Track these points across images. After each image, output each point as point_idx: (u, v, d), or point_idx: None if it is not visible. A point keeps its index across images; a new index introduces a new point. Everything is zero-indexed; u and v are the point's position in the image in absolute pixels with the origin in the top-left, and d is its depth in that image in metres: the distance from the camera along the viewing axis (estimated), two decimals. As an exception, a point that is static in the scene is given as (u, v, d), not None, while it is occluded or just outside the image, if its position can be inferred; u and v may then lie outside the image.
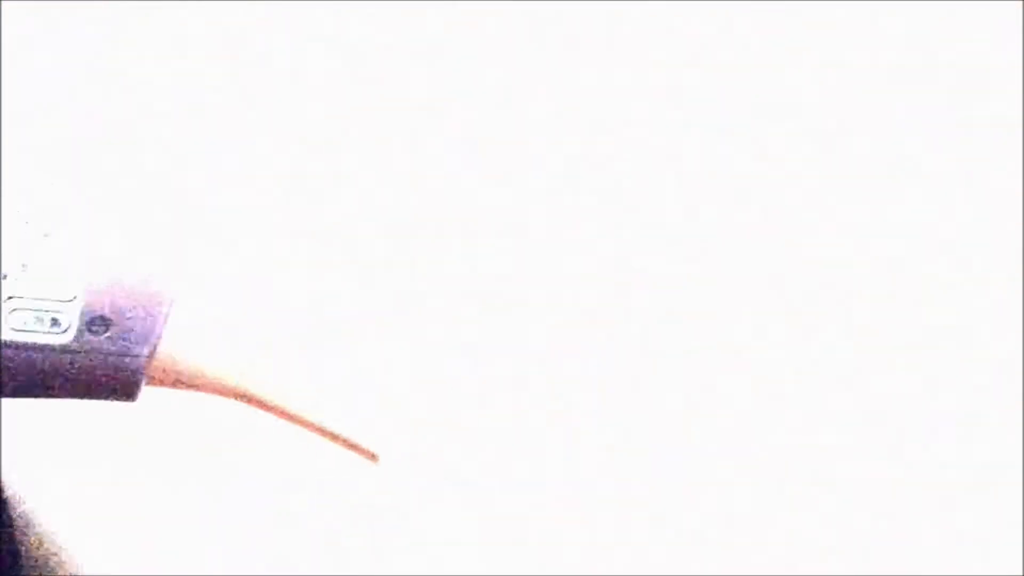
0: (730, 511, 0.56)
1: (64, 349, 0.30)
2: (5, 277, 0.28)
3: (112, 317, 0.30)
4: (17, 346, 0.30)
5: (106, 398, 0.34)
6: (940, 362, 0.58)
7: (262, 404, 0.38)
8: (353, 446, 0.40)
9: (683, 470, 0.57)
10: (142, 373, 0.33)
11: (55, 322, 0.29)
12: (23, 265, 0.28)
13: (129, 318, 0.31)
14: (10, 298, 0.28)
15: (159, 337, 0.32)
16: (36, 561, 0.54)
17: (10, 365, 0.30)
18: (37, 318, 0.29)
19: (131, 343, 0.31)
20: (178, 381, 0.35)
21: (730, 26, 0.60)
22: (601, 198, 0.59)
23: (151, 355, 0.33)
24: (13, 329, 0.29)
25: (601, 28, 0.60)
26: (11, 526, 0.53)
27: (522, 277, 0.57)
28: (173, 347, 0.34)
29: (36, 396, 0.32)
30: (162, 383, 0.35)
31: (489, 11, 0.59)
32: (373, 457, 0.41)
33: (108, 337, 0.31)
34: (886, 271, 0.58)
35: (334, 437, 0.40)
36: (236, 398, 0.37)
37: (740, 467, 0.57)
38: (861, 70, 0.59)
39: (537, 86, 0.60)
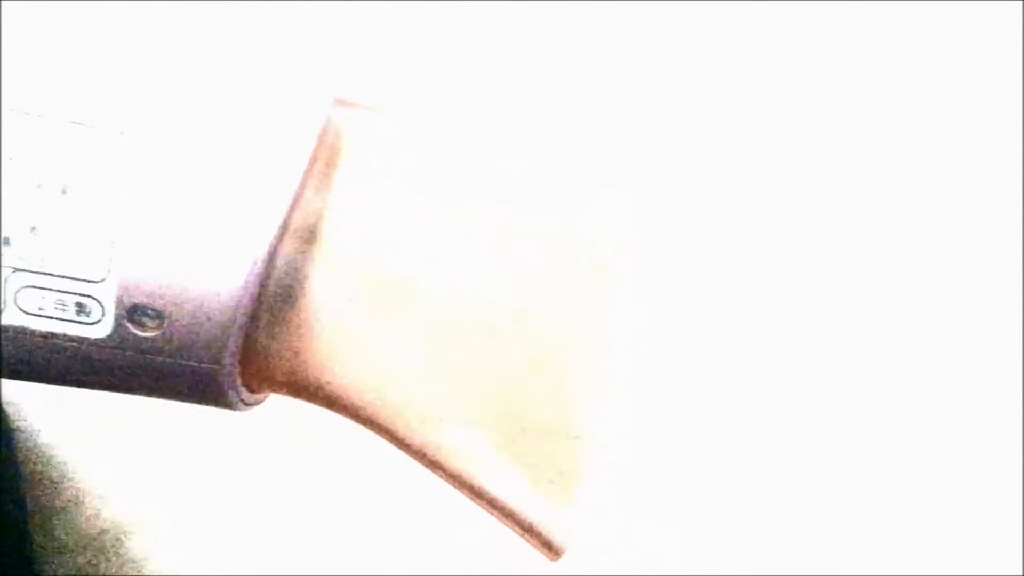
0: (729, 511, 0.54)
1: (99, 345, 0.23)
2: (7, 242, 0.22)
3: (163, 303, 0.22)
4: (32, 334, 0.23)
5: (178, 400, 0.26)
6: (939, 361, 0.57)
7: (415, 452, 0.29)
8: (529, 529, 0.29)
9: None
10: (225, 381, 0.25)
11: (81, 308, 0.23)
12: (32, 228, 0.22)
13: (193, 302, 0.23)
14: (17, 271, 0.22)
15: (239, 335, 0.24)
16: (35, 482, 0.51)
17: (25, 357, 0.23)
18: (57, 301, 0.23)
19: (200, 340, 0.23)
20: (306, 395, 0.27)
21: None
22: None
23: (232, 355, 0.24)
24: (25, 312, 0.22)
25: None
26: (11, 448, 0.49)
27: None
28: (294, 351, 0.26)
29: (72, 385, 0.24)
30: (285, 392, 0.27)
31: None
32: (553, 552, 0.30)
33: (163, 332, 0.23)
34: (883, 274, 0.58)
35: (504, 512, 0.29)
36: (382, 435, 0.28)
37: (738, 469, 0.55)
38: (859, 69, 0.58)
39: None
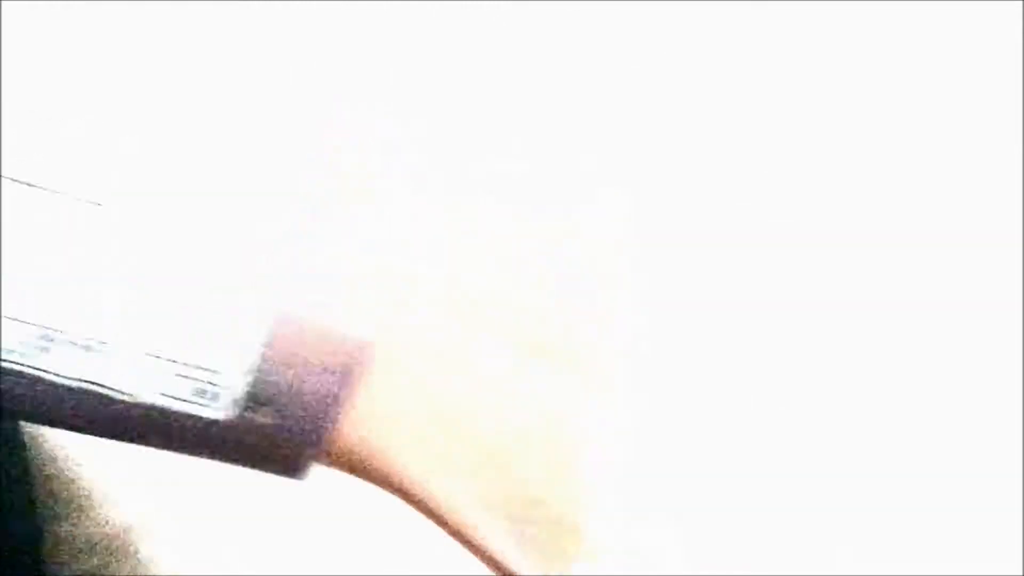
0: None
1: (217, 425, 0.27)
2: (151, 328, 0.26)
3: (279, 397, 0.27)
4: (159, 411, 0.27)
5: (257, 470, 0.29)
6: (939, 361, 0.57)
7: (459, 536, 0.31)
8: None
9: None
10: (308, 461, 0.28)
11: (205, 393, 0.27)
12: (171, 318, 0.26)
13: (303, 398, 0.27)
14: (156, 356, 0.26)
15: (335, 421, 0.27)
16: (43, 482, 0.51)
17: (148, 431, 0.27)
18: (195, 389, 0.27)
19: (301, 429, 0.27)
20: (361, 474, 0.30)
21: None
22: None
23: (321, 442, 0.28)
24: (157, 392, 0.26)
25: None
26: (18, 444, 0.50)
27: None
28: (357, 433, 0.28)
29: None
30: (340, 468, 0.30)
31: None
32: None
33: (272, 419, 0.27)
34: (885, 275, 0.58)
35: (493, 565, 0.31)
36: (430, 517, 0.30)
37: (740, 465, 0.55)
38: (859, 69, 0.58)
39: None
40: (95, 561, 0.52)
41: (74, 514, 0.53)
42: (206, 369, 0.25)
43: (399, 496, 0.31)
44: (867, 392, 0.57)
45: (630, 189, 0.62)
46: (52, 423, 0.27)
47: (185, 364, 0.25)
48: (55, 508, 0.53)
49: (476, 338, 0.30)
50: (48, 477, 0.53)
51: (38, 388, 0.25)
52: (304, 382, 0.26)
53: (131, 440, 0.27)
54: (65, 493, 0.53)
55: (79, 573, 0.52)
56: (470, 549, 0.31)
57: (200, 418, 0.26)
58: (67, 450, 0.53)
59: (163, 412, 0.26)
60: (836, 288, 0.59)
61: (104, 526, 0.53)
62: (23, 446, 0.51)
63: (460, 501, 0.30)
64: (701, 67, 0.60)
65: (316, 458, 0.28)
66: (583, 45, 0.62)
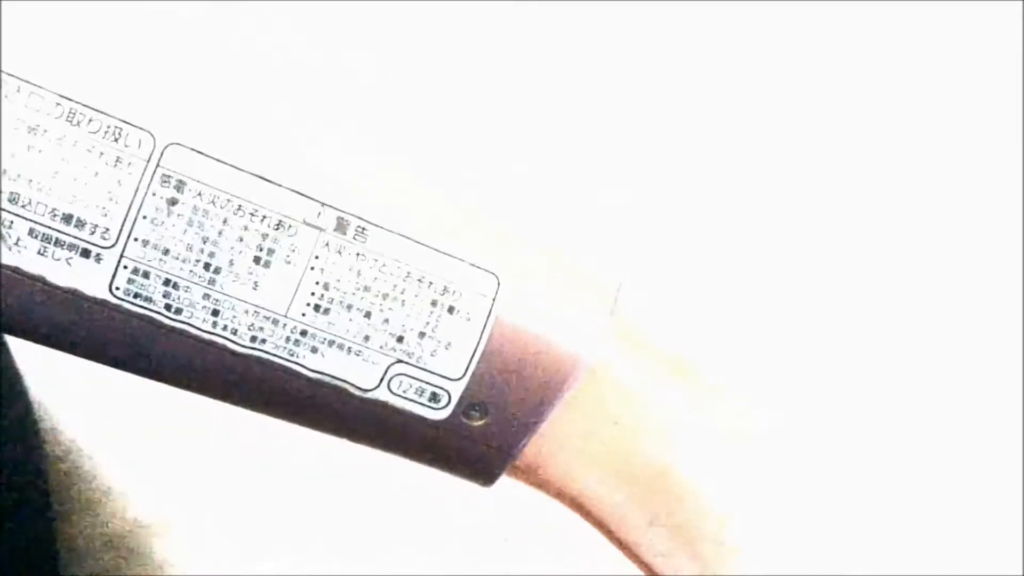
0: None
1: (432, 425, 0.29)
2: (400, 339, 0.28)
3: (492, 403, 0.28)
4: (388, 407, 0.28)
5: (451, 474, 0.30)
6: (939, 361, 0.59)
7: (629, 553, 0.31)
8: None
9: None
10: (503, 469, 0.29)
11: (433, 396, 0.28)
12: (420, 333, 0.28)
13: (512, 407, 0.28)
14: (400, 362, 0.28)
15: (535, 431, 0.28)
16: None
17: (374, 426, 0.29)
18: (419, 389, 0.28)
19: (505, 436, 0.29)
20: (540, 485, 0.31)
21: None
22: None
23: (520, 451, 0.29)
24: (391, 392, 0.28)
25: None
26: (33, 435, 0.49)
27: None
28: (545, 445, 0.29)
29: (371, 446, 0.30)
30: (523, 479, 0.31)
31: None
32: None
33: (482, 424, 0.28)
34: (882, 275, 0.60)
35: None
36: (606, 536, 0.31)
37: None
38: (860, 70, 0.60)
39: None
40: (108, 559, 0.51)
41: (89, 511, 0.51)
42: (432, 372, 0.27)
43: (572, 508, 0.32)
44: (867, 395, 0.58)
45: (630, 189, 0.61)
46: (292, 416, 0.29)
47: (415, 367, 0.27)
48: (70, 505, 0.50)
49: (637, 355, 0.32)
50: (63, 474, 0.50)
51: (290, 381, 0.27)
52: (517, 390, 0.28)
53: (348, 434, 0.29)
54: (80, 490, 0.51)
55: (92, 571, 0.50)
56: (638, 565, 0.33)
57: (419, 418, 0.28)
58: (83, 448, 0.51)
59: (390, 410, 0.27)
60: (834, 290, 0.59)
61: (118, 524, 0.51)
62: (39, 443, 0.49)
63: (632, 520, 0.31)
64: (700, 68, 0.60)
65: (509, 466, 0.30)
66: (583, 46, 0.61)
